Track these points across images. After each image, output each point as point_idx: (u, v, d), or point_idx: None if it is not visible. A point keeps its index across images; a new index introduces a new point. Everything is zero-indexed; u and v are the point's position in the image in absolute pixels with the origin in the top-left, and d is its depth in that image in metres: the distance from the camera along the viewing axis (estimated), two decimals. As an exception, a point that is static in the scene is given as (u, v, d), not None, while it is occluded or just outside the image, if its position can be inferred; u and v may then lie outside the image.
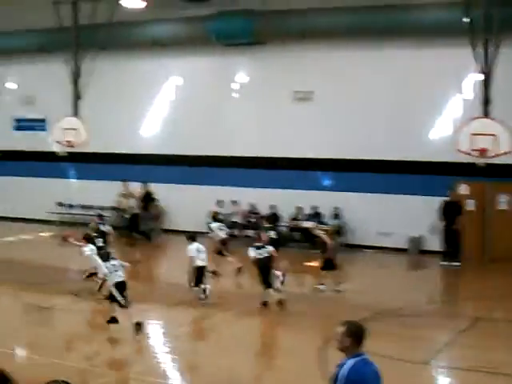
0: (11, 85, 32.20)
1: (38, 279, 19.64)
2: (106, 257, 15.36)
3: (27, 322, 15.94)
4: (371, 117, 25.08)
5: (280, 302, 16.36)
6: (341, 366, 6.55)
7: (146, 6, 24.78)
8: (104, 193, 28.97)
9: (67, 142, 25.22)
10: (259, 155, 26.79)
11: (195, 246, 17.00)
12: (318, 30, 24.77)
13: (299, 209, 25.70)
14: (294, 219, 25.71)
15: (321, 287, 18.33)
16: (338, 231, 25.00)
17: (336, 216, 25.27)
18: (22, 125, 31.79)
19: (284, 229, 25.87)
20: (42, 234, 28.56)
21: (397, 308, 16.93)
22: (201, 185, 27.53)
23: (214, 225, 21.19)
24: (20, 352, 13.75)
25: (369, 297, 18.31)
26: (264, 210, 26.24)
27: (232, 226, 27.08)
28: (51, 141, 27.60)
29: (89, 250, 17.04)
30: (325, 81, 25.66)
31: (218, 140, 27.21)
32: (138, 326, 13.99)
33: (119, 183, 27.72)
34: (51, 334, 15.06)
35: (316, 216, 25.30)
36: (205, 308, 16.61)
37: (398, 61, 24.64)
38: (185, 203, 27.81)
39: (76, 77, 25.55)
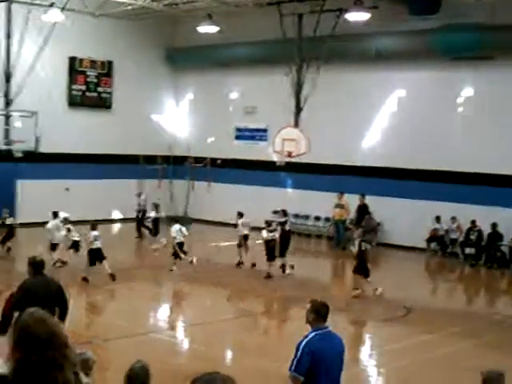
0: (234, 95, 33.89)
1: (251, 285, 20.71)
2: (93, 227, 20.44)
3: (237, 326, 16.95)
4: None
5: (282, 265, 21.93)
6: (305, 337, 7.78)
7: (370, 18, 25.45)
8: (319, 203, 29.85)
9: (287, 152, 26.30)
10: (481, 171, 26.48)
11: (178, 227, 22.03)
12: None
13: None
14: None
15: (355, 292, 19.61)
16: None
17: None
18: (243, 134, 33.39)
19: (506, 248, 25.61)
20: (256, 241, 29.73)
21: None
22: (418, 199, 27.69)
23: (240, 221, 23.87)
24: (229, 355, 14.73)
25: None
26: (486, 229, 25.97)
27: (451, 242, 27.09)
28: (271, 151, 28.86)
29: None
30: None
31: (438, 154, 27.19)
32: (112, 277, 19.49)
33: (335, 194, 28.43)
34: (260, 338, 15.96)
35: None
36: (408, 325, 17.00)
37: None
38: (401, 217, 28.05)
39: (298, 88, 26.59)
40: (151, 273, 22.51)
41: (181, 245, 21.99)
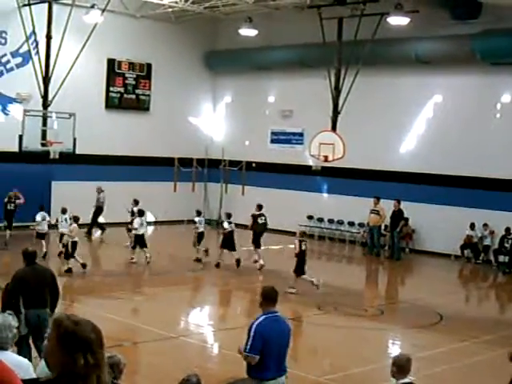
0: (271, 98, 33.93)
1: (283, 290, 20.62)
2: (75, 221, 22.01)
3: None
4: None
5: (237, 260, 23.10)
6: (256, 320, 8.74)
7: (411, 23, 25.38)
8: (354, 208, 29.80)
9: (323, 156, 26.28)
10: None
11: (140, 219, 23.79)
12: None
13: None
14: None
15: (290, 290, 19.78)
16: None
17: None
18: (279, 138, 33.39)
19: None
20: (290, 245, 29.78)
21: None
22: (454, 206, 27.46)
23: (198, 219, 25.02)
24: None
25: None
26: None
27: (484, 250, 26.92)
28: (307, 155, 28.85)
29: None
30: None
31: (475, 160, 26.91)
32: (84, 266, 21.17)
33: (370, 200, 28.33)
34: (291, 345, 15.94)
35: None
36: (440, 333, 16.92)
37: None
38: (436, 224, 27.89)
39: (337, 92, 26.55)
40: (176, 277, 22.69)
41: (140, 237, 23.67)
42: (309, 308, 18.78)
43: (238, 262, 23.32)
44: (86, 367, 3.82)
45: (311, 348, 15.74)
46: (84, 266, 21.41)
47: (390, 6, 25.08)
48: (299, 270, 20.09)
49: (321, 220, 31.64)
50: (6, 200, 25.55)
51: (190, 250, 24.82)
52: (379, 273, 27.04)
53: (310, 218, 31.81)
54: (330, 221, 31.38)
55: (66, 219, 22.97)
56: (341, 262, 28.96)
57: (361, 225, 29.93)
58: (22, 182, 27.21)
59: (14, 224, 25.51)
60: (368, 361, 14.47)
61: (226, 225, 23.95)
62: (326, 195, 31.87)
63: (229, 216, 24.22)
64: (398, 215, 27.84)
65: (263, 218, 24.70)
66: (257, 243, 24.08)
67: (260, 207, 24.87)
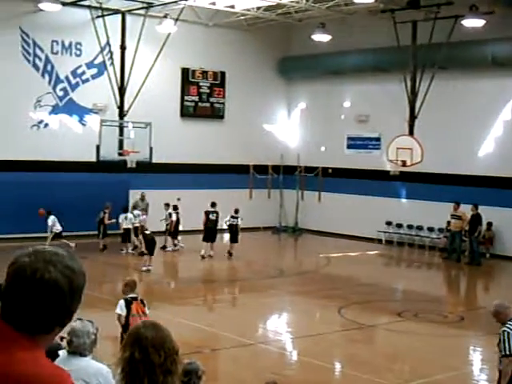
0: (346, 104, 33.78)
1: (362, 297, 20.66)
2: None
3: (348, 338, 16.92)
4: None
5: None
6: None
7: (486, 24, 25.04)
8: (434, 214, 29.42)
9: (401, 161, 26.10)
10: None
11: (123, 215, 26.54)
12: None
13: None
14: None
15: (144, 268, 23.17)
16: None
17: None
18: (355, 143, 33.25)
19: None
20: (368, 252, 29.67)
21: None
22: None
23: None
24: (338, 368, 14.72)
25: None
26: None
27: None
28: (384, 160, 28.67)
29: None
30: None
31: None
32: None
33: (448, 204, 27.93)
34: (371, 352, 15.89)
35: None
36: None
37: None
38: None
39: (413, 96, 26.37)
40: (254, 283, 22.82)
41: (126, 232, 26.54)
42: (389, 315, 18.64)
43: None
44: (132, 361, 4.01)
45: (392, 355, 15.63)
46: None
47: (465, 8, 24.85)
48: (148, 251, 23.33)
49: (400, 226, 31.33)
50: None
51: (268, 256, 24.93)
52: (459, 279, 26.68)
53: (389, 224, 31.54)
54: (410, 226, 31.03)
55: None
56: (420, 268, 28.64)
57: (440, 230, 29.54)
58: (101, 191, 27.75)
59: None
60: (449, 367, 14.31)
61: (173, 217, 27.01)
62: (404, 200, 31.53)
63: (175, 208, 27.19)
64: (476, 220, 27.40)
65: (215, 214, 26.74)
66: (207, 238, 26.39)
67: (167, 204, 27.31)
